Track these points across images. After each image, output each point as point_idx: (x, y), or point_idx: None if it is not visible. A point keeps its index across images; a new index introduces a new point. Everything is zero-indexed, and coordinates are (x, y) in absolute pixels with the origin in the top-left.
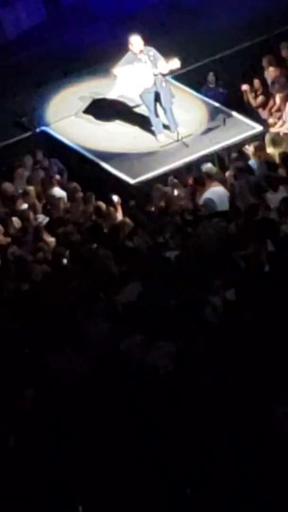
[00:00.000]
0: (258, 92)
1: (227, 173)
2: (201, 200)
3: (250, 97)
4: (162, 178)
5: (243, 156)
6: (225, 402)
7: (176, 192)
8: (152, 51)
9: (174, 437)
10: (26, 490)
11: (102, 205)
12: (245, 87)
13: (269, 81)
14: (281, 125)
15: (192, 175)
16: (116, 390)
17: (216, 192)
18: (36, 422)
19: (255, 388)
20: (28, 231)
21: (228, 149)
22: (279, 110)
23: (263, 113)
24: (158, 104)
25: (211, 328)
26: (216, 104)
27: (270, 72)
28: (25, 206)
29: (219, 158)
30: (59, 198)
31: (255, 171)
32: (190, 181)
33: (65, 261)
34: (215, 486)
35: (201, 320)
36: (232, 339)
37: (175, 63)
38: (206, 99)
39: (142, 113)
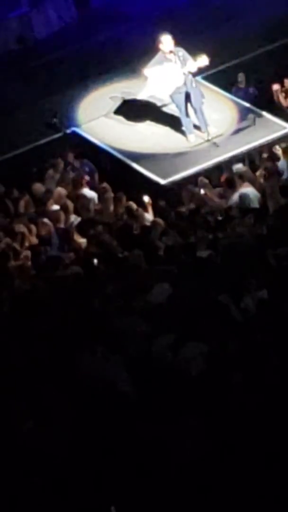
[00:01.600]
0: None
1: (257, 173)
2: (231, 200)
3: (281, 97)
4: (193, 179)
5: (273, 157)
6: (257, 402)
7: (206, 193)
8: (182, 51)
9: (205, 437)
10: (52, 489)
11: (133, 205)
12: (275, 87)
13: None
14: None
15: (224, 176)
16: (147, 390)
17: (248, 191)
18: (63, 420)
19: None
20: (58, 232)
21: (259, 149)
22: None
23: None
24: (188, 104)
25: (242, 328)
26: (247, 104)
27: None
28: (56, 207)
29: (249, 158)
30: (90, 199)
31: (284, 171)
32: (223, 179)
33: (95, 261)
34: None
35: (233, 320)
36: (264, 338)
37: (203, 60)
38: (237, 99)
39: (172, 113)
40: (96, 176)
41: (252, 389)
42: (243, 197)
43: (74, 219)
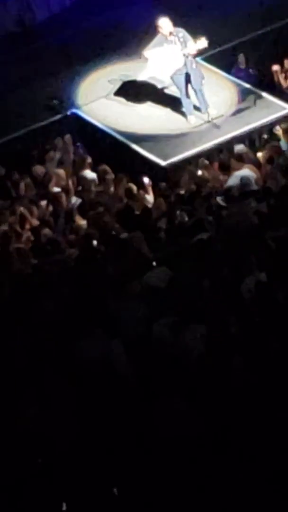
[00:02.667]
0: None
1: (259, 154)
2: (230, 181)
3: (281, 77)
4: (193, 160)
5: (274, 137)
6: (258, 384)
7: (207, 174)
8: (182, 32)
9: (205, 419)
10: (57, 472)
11: (134, 187)
12: (275, 67)
13: None
14: None
15: (219, 159)
16: (146, 372)
17: (247, 173)
18: (65, 405)
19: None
20: (60, 214)
21: (259, 130)
22: None
23: None
24: (189, 86)
25: (243, 310)
26: (247, 85)
27: None
28: (56, 189)
29: (250, 139)
30: (91, 181)
31: (285, 152)
32: (216, 165)
33: (95, 242)
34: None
35: (233, 302)
36: (265, 320)
37: (202, 43)
38: (237, 80)
39: (172, 94)
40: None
41: (252, 371)
42: (244, 180)
43: (75, 200)
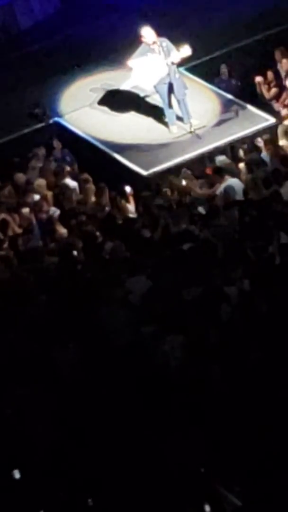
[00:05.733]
0: (272, 84)
1: (240, 165)
2: (219, 190)
3: (264, 89)
4: (175, 170)
5: (255, 149)
6: (237, 394)
7: (189, 184)
8: (165, 42)
9: (183, 430)
10: (35, 481)
11: (117, 196)
12: (258, 79)
13: (282, 73)
14: None
15: (210, 166)
16: (124, 381)
17: (233, 183)
18: (43, 413)
19: (269, 379)
20: (40, 222)
21: (241, 141)
22: None
23: (276, 105)
24: (171, 96)
25: (223, 320)
26: (229, 96)
27: (284, 65)
28: (36, 197)
29: (232, 150)
30: (72, 189)
31: (266, 163)
32: (209, 171)
33: (75, 252)
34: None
35: (214, 312)
36: (246, 330)
37: (186, 50)
38: (219, 91)
39: (155, 104)
40: (76, 167)
41: (231, 380)
42: (227, 190)
43: (53, 211)
